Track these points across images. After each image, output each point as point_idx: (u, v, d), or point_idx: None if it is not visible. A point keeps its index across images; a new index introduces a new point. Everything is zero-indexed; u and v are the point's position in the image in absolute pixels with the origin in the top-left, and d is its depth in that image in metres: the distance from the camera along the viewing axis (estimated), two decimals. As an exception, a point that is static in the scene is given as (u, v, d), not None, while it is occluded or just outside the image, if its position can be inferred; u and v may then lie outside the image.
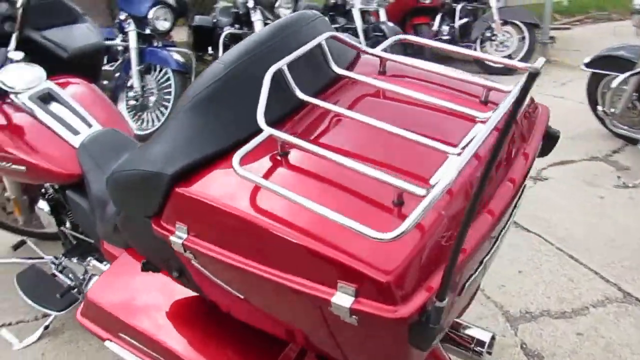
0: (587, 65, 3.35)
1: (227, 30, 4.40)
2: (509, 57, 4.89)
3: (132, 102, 3.78)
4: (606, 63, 3.25)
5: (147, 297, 1.22)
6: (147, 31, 3.77)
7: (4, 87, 1.66)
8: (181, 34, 5.22)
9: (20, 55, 1.76)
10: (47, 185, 1.81)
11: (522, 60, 4.71)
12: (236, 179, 0.79)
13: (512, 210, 0.95)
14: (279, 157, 0.85)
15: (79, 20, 2.02)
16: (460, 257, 0.74)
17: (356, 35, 4.37)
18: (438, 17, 5.17)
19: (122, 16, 3.80)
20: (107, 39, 3.93)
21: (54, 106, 1.67)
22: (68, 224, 1.88)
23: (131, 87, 3.75)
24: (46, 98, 1.68)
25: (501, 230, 0.92)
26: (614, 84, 3.11)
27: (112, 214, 1.35)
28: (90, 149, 1.56)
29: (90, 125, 1.65)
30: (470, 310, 2.01)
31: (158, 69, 3.79)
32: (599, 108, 3.35)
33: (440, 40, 5.13)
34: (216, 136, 0.88)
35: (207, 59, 4.84)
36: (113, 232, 1.34)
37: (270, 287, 0.79)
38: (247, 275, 0.80)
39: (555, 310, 2.08)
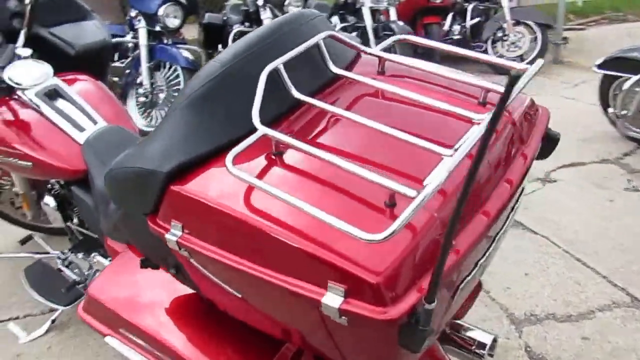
0: (599, 66, 3.31)
1: (237, 27, 4.41)
2: (521, 57, 4.85)
3: (142, 99, 3.81)
4: (619, 64, 3.21)
5: (148, 293, 1.23)
6: (157, 28, 3.78)
7: (11, 84, 1.68)
8: (192, 32, 5.25)
9: (28, 52, 1.77)
10: (53, 181, 1.83)
11: (534, 61, 4.65)
12: (230, 178, 0.79)
13: (510, 212, 0.94)
14: (273, 157, 0.85)
15: (87, 17, 2.04)
16: (453, 259, 0.74)
17: (366, 34, 4.36)
18: (449, 17, 5.14)
19: (133, 13, 3.82)
20: (118, 36, 3.98)
21: (60, 103, 1.69)
22: (75, 220, 1.90)
23: (141, 84, 3.77)
24: (52, 94, 1.69)
25: (498, 232, 0.91)
26: (626, 85, 3.08)
27: (114, 211, 1.36)
28: (95, 146, 1.58)
29: (95, 122, 1.67)
30: (474, 312, 2.01)
31: (168, 66, 3.81)
32: (611, 110, 3.31)
33: (451, 40, 5.10)
34: (212, 135, 0.88)
35: (216, 56, 4.85)
36: (114, 228, 1.35)
37: (263, 286, 0.79)
38: (241, 274, 0.81)
39: (561, 314, 2.05)
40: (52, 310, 2.02)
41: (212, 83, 0.88)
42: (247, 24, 4.45)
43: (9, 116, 1.69)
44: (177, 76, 3.75)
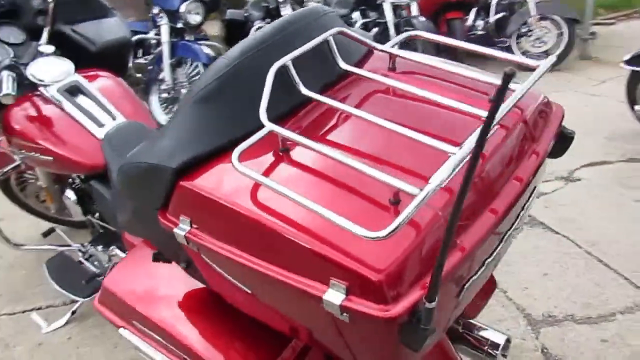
0: (627, 62, 3.21)
1: (258, 24, 4.43)
2: (546, 53, 4.75)
3: (164, 95, 3.86)
4: (648, 61, 3.12)
5: (160, 287, 1.25)
6: (179, 25, 3.83)
7: (34, 80, 1.73)
8: (214, 28, 5.29)
9: (50, 49, 1.81)
10: (73, 175, 1.87)
11: (560, 57, 4.54)
12: (237, 174, 0.80)
13: (520, 211, 0.92)
14: (280, 154, 0.85)
15: (108, 15, 2.08)
16: (457, 257, 0.73)
17: (387, 29, 4.33)
18: (473, 12, 5.05)
19: (156, 10, 3.87)
20: (142, 33, 4.03)
21: (81, 99, 1.72)
22: (95, 213, 1.94)
23: (163, 80, 3.82)
24: (74, 91, 1.73)
25: (507, 231, 0.90)
26: (655, 82, 2.99)
27: (128, 205, 1.38)
28: (113, 141, 1.60)
29: (114, 118, 1.70)
30: (490, 312, 1.98)
31: (189, 63, 3.85)
32: (638, 107, 3.22)
33: (475, 35, 5.02)
34: (220, 131, 0.89)
35: (239, 52, 4.88)
36: (129, 222, 1.37)
37: (268, 281, 0.80)
38: (247, 269, 0.81)
39: (580, 315, 2.01)
40: (73, 301, 2.07)
41: (220, 80, 0.89)
42: (268, 20, 4.47)
43: (32, 112, 1.74)
44: (199, 72, 3.80)
